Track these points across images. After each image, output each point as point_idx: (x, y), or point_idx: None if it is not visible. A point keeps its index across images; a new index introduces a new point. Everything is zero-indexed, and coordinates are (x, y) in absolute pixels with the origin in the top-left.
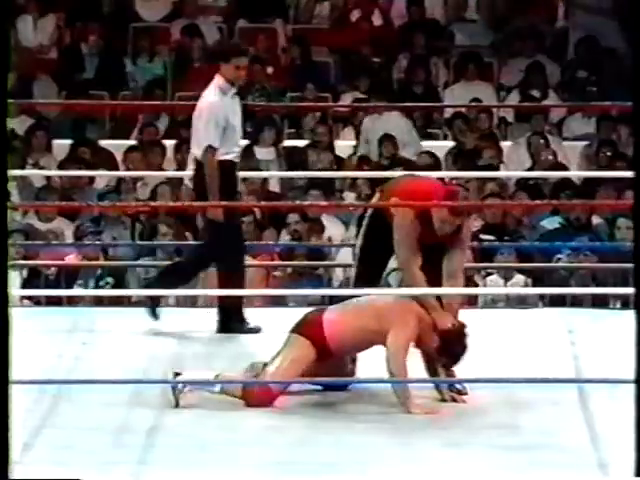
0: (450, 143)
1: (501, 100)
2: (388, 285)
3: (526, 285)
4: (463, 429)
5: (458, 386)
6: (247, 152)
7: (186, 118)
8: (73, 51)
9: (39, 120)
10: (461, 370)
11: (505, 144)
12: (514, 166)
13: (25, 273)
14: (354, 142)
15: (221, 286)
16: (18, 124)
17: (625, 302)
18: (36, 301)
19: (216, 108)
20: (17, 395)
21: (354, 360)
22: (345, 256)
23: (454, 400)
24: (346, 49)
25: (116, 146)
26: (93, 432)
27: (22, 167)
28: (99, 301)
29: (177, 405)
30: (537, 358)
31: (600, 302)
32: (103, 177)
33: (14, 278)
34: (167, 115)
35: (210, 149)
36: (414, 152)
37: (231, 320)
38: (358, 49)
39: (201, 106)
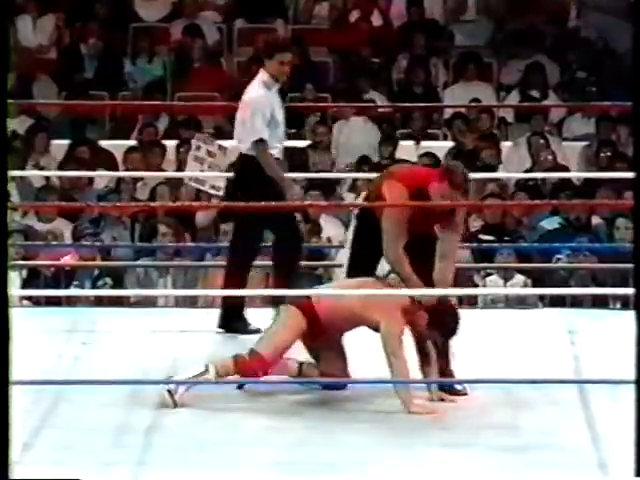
0: (450, 143)
1: (501, 100)
2: None
3: (526, 285)
4: (463, 429)
5: (458, 387)
6: None
7: (186, 118)
8: (72, 51)
9: (39, 120)
10: (461, 370)
11: (505, 144)
12: (514, 166)
13: (25, 273)
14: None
15: (225, 284)
16: (18, 124)
17: (625, 302)
18: (36, 301)
19: (261, 102)
20: (17, 395)
21: (345, 359)
22: (345, 256)
23: (442, 400)
24: (345, 49)
25: (116, 146)
26: (92, 432)
27: (22, 168)
28: (99, 301)
29: (175, 406)
30: (537, 358)
31: (600, 302)
32: (103, 177)
33: (14, 278)
34: (167, 115)
35: (260, 142)
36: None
37: (233, 319)
38: (357, 49)
39: (246, 101)
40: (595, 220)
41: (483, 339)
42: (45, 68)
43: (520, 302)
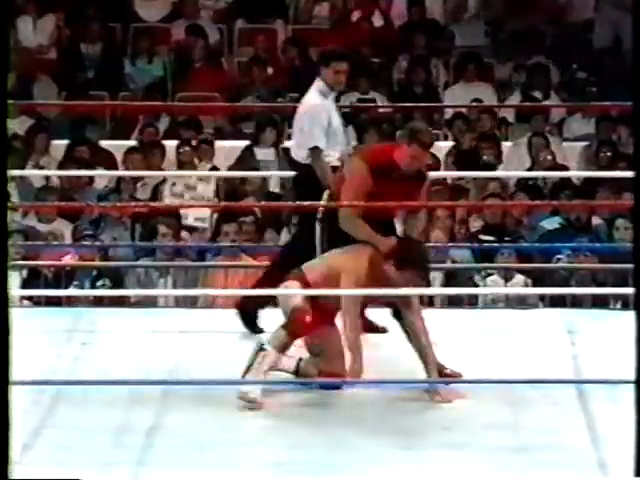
0: (450, 143)
1: (501, 101)
2: None
3: (526, 285)
4: (463, 429)
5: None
6: (247, 152)
7: (186, 119)
8: (72, 51)
9: (39, 121)
10: (461, 370)
11: (506, 144)
12: (514, 166)
13: (25, 273)
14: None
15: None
16: (18, 125)
17: (625, 302)
18: (36, 301)
19: (318, 110)
20: (17, 395)
21: (344, 358)
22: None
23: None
24: (346, 50)
25: (116, 147)
26: (92, 432)
27: (22, 168)
28: (99, 301)
29: (256, 408)
30: (537, 358)
31: (600, 302)
32: (103, 178)
33: (14, 278)
34: (167, 116)
35: (316, 150)
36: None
37: (253, 319)
38: (358, 50)
39: (303, 109)
40: (595, 220)
41: (483, 339)
42: (45, 68)
43: (520, 302)
